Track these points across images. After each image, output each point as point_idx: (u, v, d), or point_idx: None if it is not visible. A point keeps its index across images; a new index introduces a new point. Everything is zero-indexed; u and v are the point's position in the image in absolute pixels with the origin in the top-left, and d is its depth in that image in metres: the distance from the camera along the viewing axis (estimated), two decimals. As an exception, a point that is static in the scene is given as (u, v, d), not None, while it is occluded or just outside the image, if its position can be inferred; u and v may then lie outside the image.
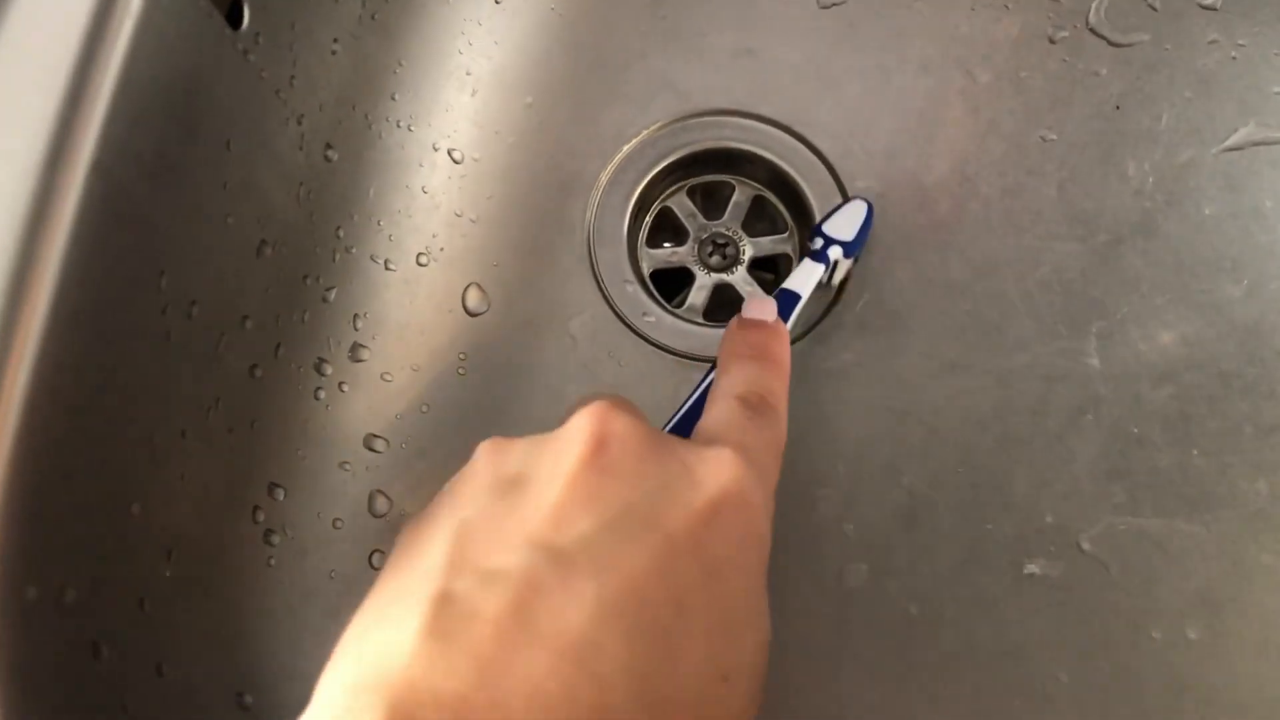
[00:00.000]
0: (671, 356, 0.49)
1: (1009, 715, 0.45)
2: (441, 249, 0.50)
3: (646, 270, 0.52)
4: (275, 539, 0.43)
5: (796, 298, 0.43)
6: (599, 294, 0.50)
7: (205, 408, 0.38)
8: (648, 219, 0.53)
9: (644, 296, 0.50)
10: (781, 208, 0.53)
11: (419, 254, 0.49)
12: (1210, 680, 0.45)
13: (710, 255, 0.53)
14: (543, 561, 0.25)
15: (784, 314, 0.41)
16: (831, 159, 0.52)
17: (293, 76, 0.41)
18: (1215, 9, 0.51)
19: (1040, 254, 0.50)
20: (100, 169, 0.30)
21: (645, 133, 0.52)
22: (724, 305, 0.52)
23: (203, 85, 0.35)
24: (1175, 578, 0.46)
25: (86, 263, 0.30)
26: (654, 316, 0.50)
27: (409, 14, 0.49)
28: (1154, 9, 0.52)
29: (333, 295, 0.46)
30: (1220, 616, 0.46)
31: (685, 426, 0.38)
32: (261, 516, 0.43)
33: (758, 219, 0.54)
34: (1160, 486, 0.47)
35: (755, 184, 0.53)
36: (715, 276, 0.52)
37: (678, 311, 0.51)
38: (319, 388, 0.46)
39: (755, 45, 0.52)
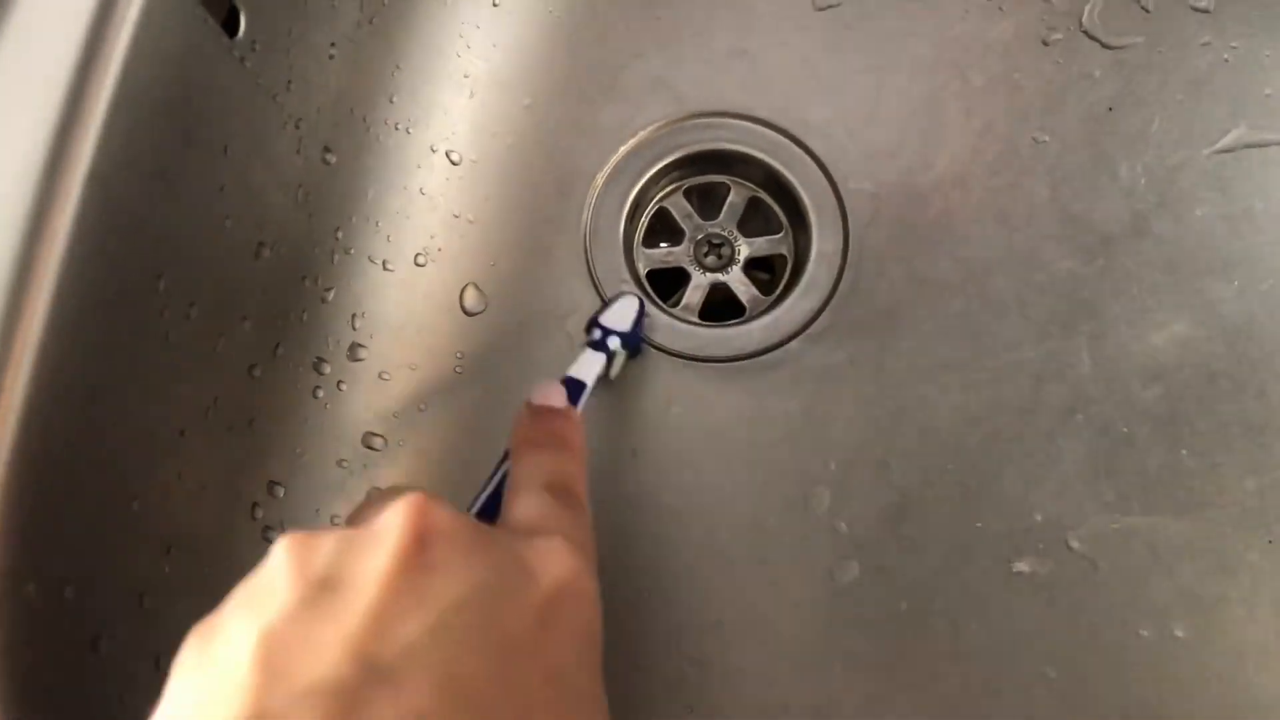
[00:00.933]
0: (667, 356, 0.50)
1: (997, 710, 0.46)
2: (439, 249, 0.50)
3: (643, 270, 0.53)
4: (273, 535, 0.44)
5: (582, 386, 0.43)
6: (595, 294, 0.50)
7: (204, 407, 0.39)
8: (644, 219, 0.54)
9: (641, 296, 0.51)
10: (777, 208, 0.54)
11: (417, 254, 0.50)
12: (1197, 677, 0.46)
13: (706, 255, 0.53)
14: (366, 674, 0.22)
15: (572, 401, 0.41)
16: (826, 160, 0.52)
17: (290, 81, 0.42)
18: (1208, 11, 0.52)
19: (1032, 254, 0.50)
20: (98, 176, 0.31)
21: (642, 134, 0.52)
22: (719, 305, 0.53)
23: (199, 92, 0.36)
24: (1163, 576, 0.47)
25: (85, 267, 0.31)
26: (651, 316, 0.50)
27: (407, 17, 0.50)
28: (1147, 11, 0.52)
29: (331, 295, 0.47)
30: (1207, 615, 0.46)
31: (486, 516, 0.36)
32: (260, 513, 0.43)
33: (753, 219, 0.54)
34: (1149, 486, 0.48)
35: (751, 185, 0.54)
36: (711, 276, 0.53)
37: (673, 311, 0.51)
38: (317, 386, 0.46)
39: (750, 47, 0.53)
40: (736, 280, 0.53)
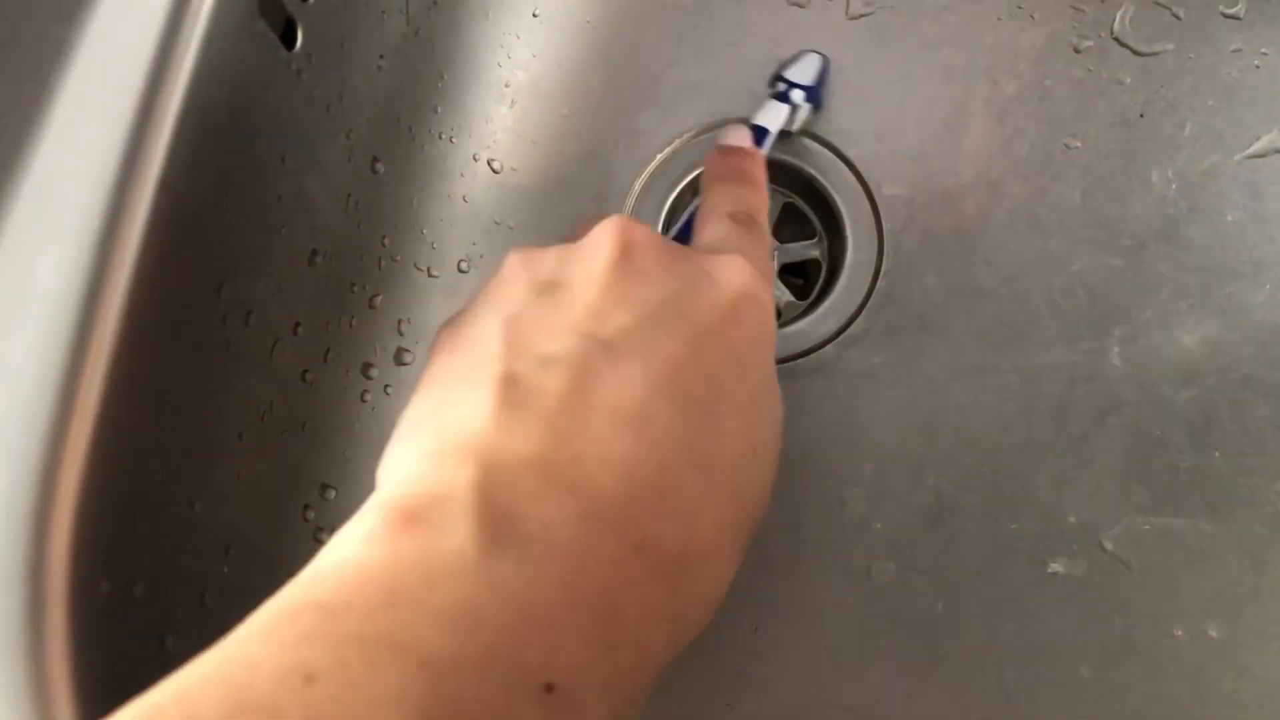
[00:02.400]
0: (704, 360, 0.50)
1: (1032, 710, 0.47)
2: (481, 256, 0.51)
3: (679, 275, 0.53)
4: (324, 537, 0.45)
5: (765, 131, 0.47)
6: (633, 299, 0.51)
7: (260, 411, 0.40)
8: (678, 226, 0.54)
9: (677, 301, 0.52)
10: (811, 215, 0.54)
11: (460, 261, 0.51)
12: (1231, 677, 0.46)
13: (741, 261, 0.54)
14: (591, 347, 0.27)
15: (757, 145, 0.45)
16: (860, 166, 0.53)
17: (341, 93, 0.43)
18: (1239, 18, 0.52)
19: (1064, 259, 0.51)
20: (168, 186, 0.32)
21: (677, 141, 0.53)
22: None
23: (259, 104, 0.37)
24: (1196, 576, 0.48)
25: (155, 274, 0.32)
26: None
27: (450, 29, 0.51)
28: (1178, 18, 0.53)
29: (378, 301, 0.48)
30: (1241, 614, 0.47)
31: (681, 242, 0.41)
32: (311, 515, 0.44)
33: (788, 225, 0.55)
34: (1182, 487, 0.49)
35: (785, 191, 0.55)
36: (746, 281, 0.54)
37: (710, 316, 0.52)
38: (365, 391, 0.47)
39: (784, 55, 0.53)
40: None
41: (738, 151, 0.41)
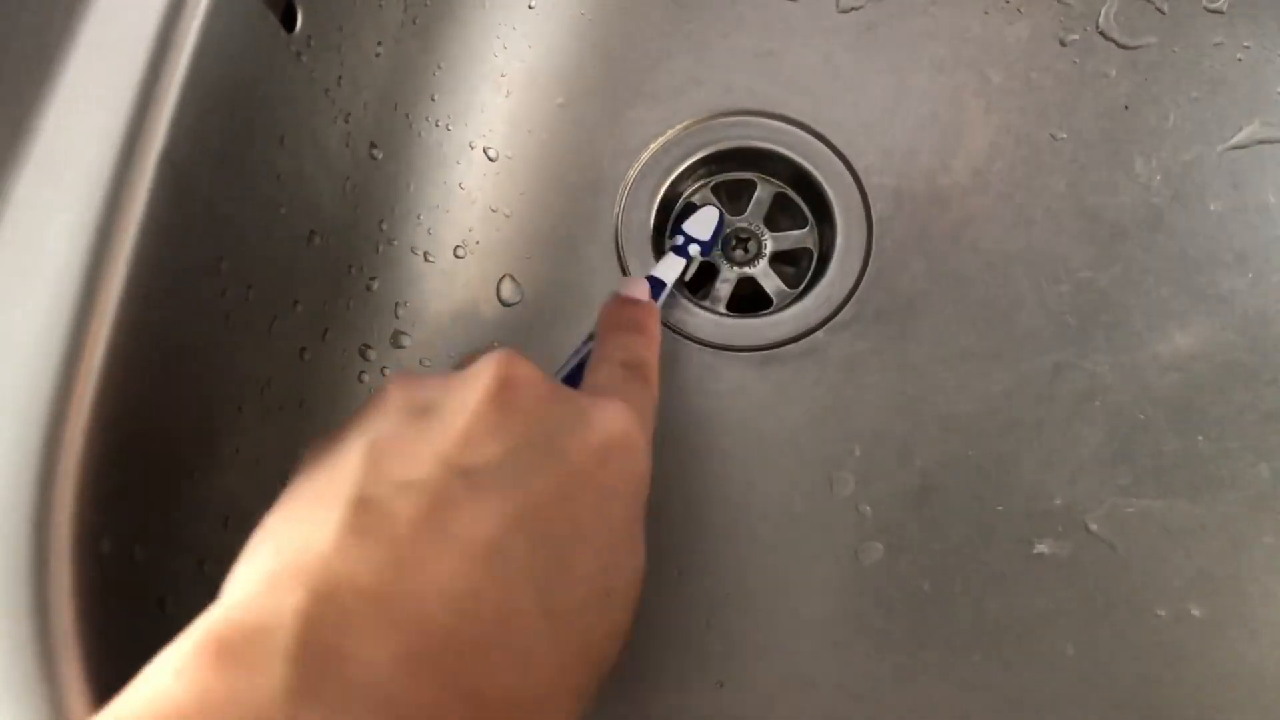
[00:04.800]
0: (697, 345, 0.51)
1: (1017, 686, 0.47)
2: (477, 242, 0.52)
3: (672, 263, 0.54)
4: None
5: (663, 284, 0.48)
6: (627, 285, 0.52)
7: (260, 385, 0.41)
8: (674, 215, 0.55)
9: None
10: (802, 204, 0.55)
11: (456, 246, 0.52)
12: (1211, 655, 0.47)
13: (734, 249, 0.55)
14: (452, 477, 0.27)
15: (654, 296, 0.46)
16: (850, 156, 0.54)
17: (340, 77, 0.44)
18: (1221, 12, 0.53)
19: (1050, 247, 0.52)
20: (169, 159, 0.33)
21: (671, 132, 0.54)
22: (747, 297, 0.54)
23: (259, 84, 0.38)
24: (1178, 557, 0.48)
25: (157, 245, 0.32)
26: (681, 308, 0.52)
27: (447, 18, 0.52)
28: (1162, 12, 0.53)
29: (375, 285, 0.49)
30: (1222, 594, 0.48)
31: (569, 383, 0.42)
32: (309, 491, 0.45)
33: (779, 215, 0.56)
34: (1165, 470, 0.49)
35: (777, 181, 0.56)
36: (738, 270, 0.55)
37: (702, 303, 0.53)
38: (362, 371, 0.48)
39: (776, 48, 0.55)
40: (763, 273, 0.55)
41: (634, 303, 0.43)
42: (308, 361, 0.44)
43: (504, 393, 0.29)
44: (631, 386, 0.36)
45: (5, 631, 0.29)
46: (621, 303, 0.43)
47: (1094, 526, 0.49)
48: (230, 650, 0.22)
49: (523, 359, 0.31)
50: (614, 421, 0.31)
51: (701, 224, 0.52)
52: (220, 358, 0.38)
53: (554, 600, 0.27)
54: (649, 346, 0.40)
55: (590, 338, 0.42)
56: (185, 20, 0.33)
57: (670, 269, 0.49)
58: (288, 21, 0.39)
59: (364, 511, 0.26)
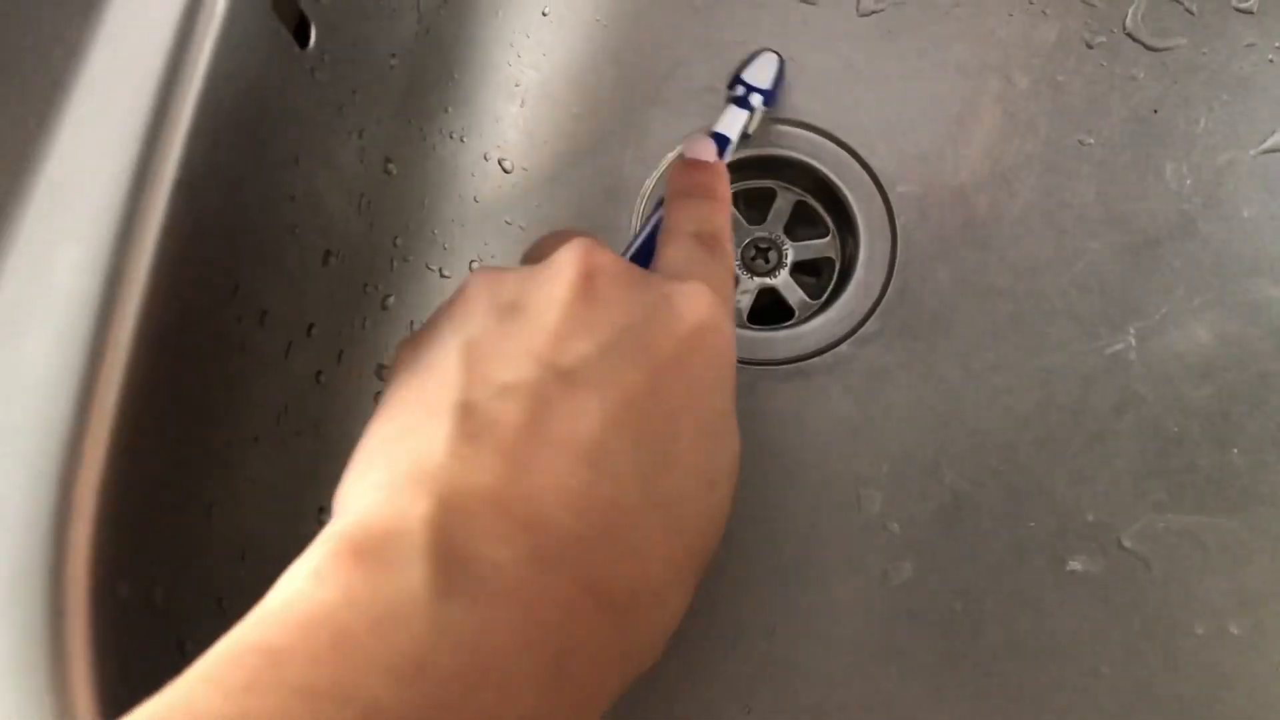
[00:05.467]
0: (717, 359, 0.50)
1: (1051, 709, 0.46)
2: (493, 256, 0.51)
3: (691, 275, 0.53)
4: (338, 539, 0.44)
5: (727, 140, 0.47)
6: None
7: (275, 413, 0.40)
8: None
9: (689, 300, 0.51)
10: (824, 212, 0.54)
11: (471, 261, 0.51)
12: (1252, 674, 0.46)
13: (754, 259, 0.54)
14: (550, 377, 0.27)
15: (719, 154, 0.44)
16: (872, 163, 0.53)
17: (354, 91, 0.42)
18: (1252, 12, 0.52)
19: (1079, 255, 0.51)
20: (183, 186, 0.31)
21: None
22: (768, 308, 0.53)
23: (274, 103, 0.36)
24: (1215, 574, 0.47)
25: (171, 276, 0.31)
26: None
27: (461, 28, 0.50)
28: (1191, 13, 0.52)
29: (391, 302, 0.48)
30: (1261, 611, 0.47)
31: (641, 258, 0.41)
32: (326, 518, 0.44)
33: (800, 223, 0.55)
34: (1200, 484, 0.48)
35: (797, 189, 0.54)
36: (759, 280, 0.53)
37: (722, 315, 0.52)
38: (378, 393, 0.47)
39: (795, 53, 0.53)
40: (784, 284, 0.53)
41: (702, 166, 0.41)
42: (324, 385, 0.43)
43: (588, 285, 0.29)
44: (708, 262, 0.35)
45: (21, 685, 0.28)
46: (687, 166, 0.41)
47: (1128, 543, 0.48)
48: (368, 552, 0.23)
49: (601, 246, 0.31)
50: (697, 306, 0.30)
51: (761, 70, 0.50)
52: (236, 388, 0.37)
53: (660, 494, 0.27)
54: (720, 211, 0.38)
55: (659, 205, 0.40)
56: (198, 40, 0.32)
57: (734, 123, 0.48)
58: (301, 37, 0.38)
59: (470, 418, 0.26)
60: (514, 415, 0.26)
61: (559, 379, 0.27)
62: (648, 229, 0.42)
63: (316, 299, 0.42)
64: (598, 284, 0.29)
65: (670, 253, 0.35)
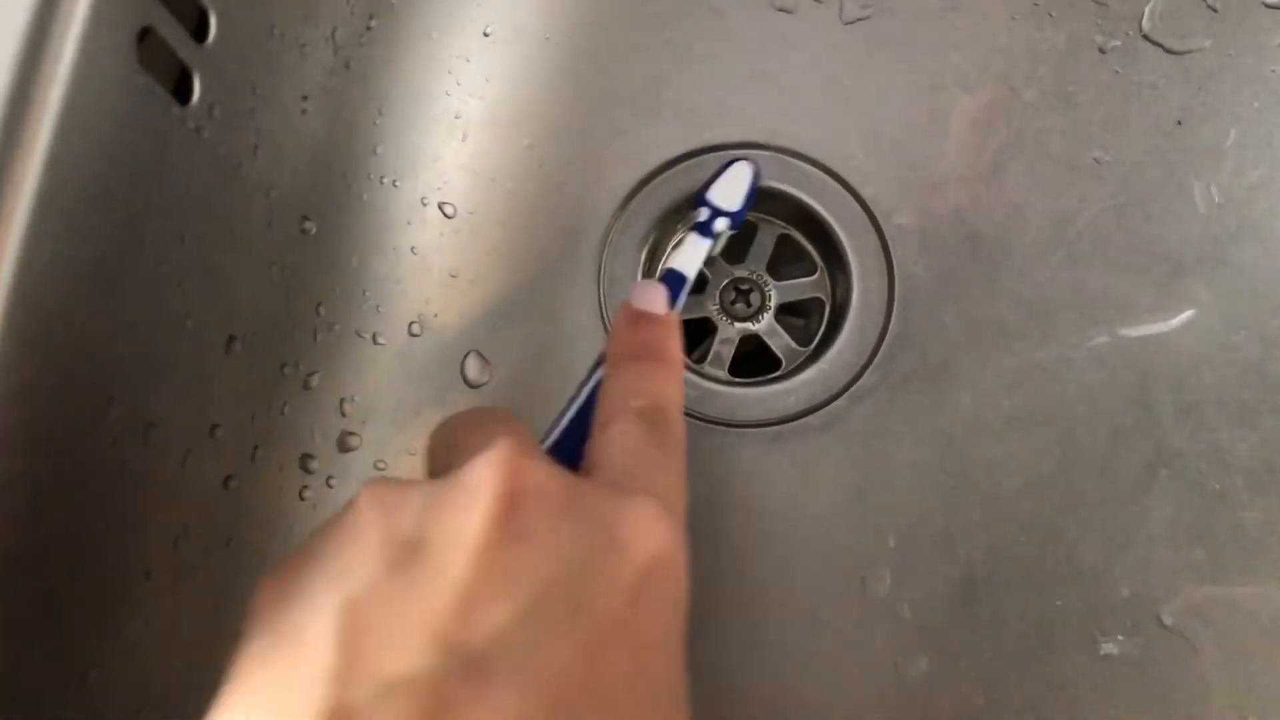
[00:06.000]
0: (697, 421, 0.44)
1: (1093, 818, 0.41)
2: (435, 315, 0.45)
3: (664, 323, 0.47)
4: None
5: (684, 280, 0.39)
6: (613, 354, 0.45)
7: (172, 538, 0.33)
8: (663, 266, 0.48)
9: (662, 354, 0.45)
10: (810, 247, 0.48)
11: (411, 323, 0.45)
12: (1315, 769, 0.41)
13: (734, 303, 0.48)
14: (454, 667, 0.21)
15: (672, 298, 0.37)
16: (862, 192, 0.47)
17: (256, 146, 0.36)
18: (1282, 8, 0.47)
19: (1101, 290, 0.46)
20: (23, 294, 0.25)
21: (657, 170, 0.47)
22: (750, 357, 0.47)
23: (146, 176, 0.30)
24: (1272, 652, 0.43)
25: (14, 408, 0.25)
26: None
27: (388, 56, 0.44)
28: (1214, 10, 0.47)
29: (315, 380, 0.42)
30: (1323, 695, 0.42)
31: (572, 438, 0.33)
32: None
33: (784, 261, 0.49)
34: (1247, 548, 0.44)
35: (780, 222, 0.49)
36: (740, 326, 0.48)
37: (700, 369, 0.46)
38: (304, 487, 0.41)
39: (772, 69, 0.47)
40: (768, 329, 0.48)
41: (649, 321, 0.35)
42: (234, 491, 0.37)
43: (509, 515, 0.23)
44: (658, 457, 0.29)
45: None
46: (634, 321, 0.35)
47: (1168, 620, 0.43)
48: None
49: (528, 451, 0.25)
50: (648, 537, 0.25)
51: (730, 189, 0.42)
52: (116, 521, 0.30)
53: None
54: (670, 379, 0.32)
55: (599, 363, 0.34)
56: (36, 112, 0.25)
57: (692, 257, 0.40)
58: (182, 92, 0.31)
59: None
60: None
61: (465, 670, 0.21)
62: (581, 398, 0.34)
63: (219, 394, 0.35)
64: (522, 514, 0.23)
65: (610, 439, 0.29)
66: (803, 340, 0.48)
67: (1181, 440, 0.44)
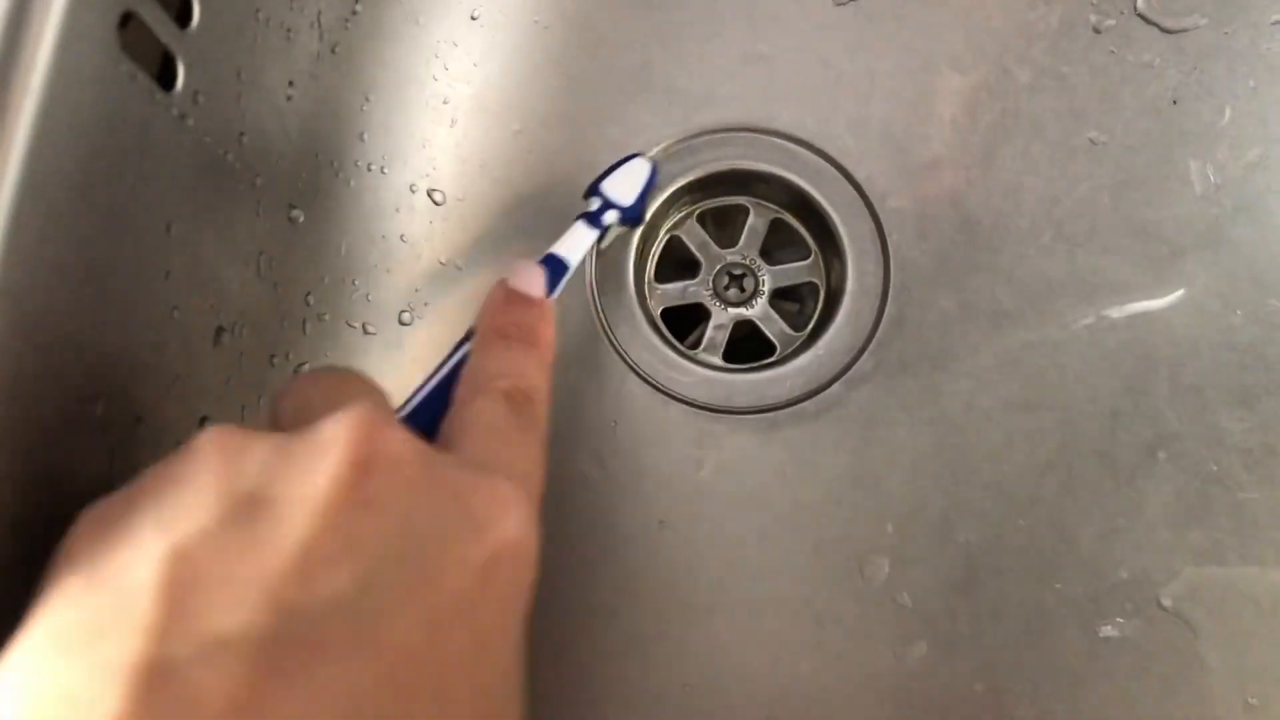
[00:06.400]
0: (692, 409, 0.44)
1: (1094, 801, 0.41)
2: (426, 304, 0.44)
3: (656, 310, 0.47)
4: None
5: (565, 267, 0.38)
6: (605, 341, 0.45)
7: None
8: (655, 252, 0.47)
9: (656, 340, 0.45)
10: (804, 231, 0.48)
11: (401, 312, 0.44)
12: (1317, 751, 0.41)
13: (727, 288, 0.47)
14: (285, 630, 0.20)
15: (552, 283, 0.37)
16: (856, 175, 0.46)
17: (242, 133, 0.35)
18: (1277, -15, 0.46)
19: (1097, 270, 0.45)
20: (8, 292, 0.24)
21: (650, 154, 0.46)
22: (744, 343, 0.47)
23: (130, 165, 0.29)
24: (1271, 633, 0.43)
25: (0, 401, 0.24)
26: (668, 363, 0.44)
27: (374, 41, 0.43)
28: (1209, -12, 0.46)
29: (306, 371, 0.41)
30: (1324, 676, 0.42)
31: (430, 409, 0.32)
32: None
33: (777, 245, 0.48)
34: (1246, 530, 0.43)
35: (772, 206, 0.48)
36: (734, 312, 0.47)
37: (694, 355, 0.46)
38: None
39: (765, 51, 0.47)
40: (762, 314, 0.47)
41: (524, 302, 0.34)
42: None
43: (360, 478, 0.22)
44: (518, 440, 0.28)
45: None
46: (507, 300, 0.34)
47: (1168, 602, 0.43)
48: None
49: (386, 420, 0.24)
50: (501, 518, 0.24)
51: (626, 181, 0.41)
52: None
53: None
54: (539, 366, 0.32)
55: (467, 337, 0.33)
56: (15, 100, 0.25)
57: (577, 245, 0.39)
58: (165, 79, 0.30)
59: (155, 688, 0.18)
60: (223, 689, 0.18)
61: (297, 633, 0.20)
62: (444, 371, 0.33)
63: (207, 387, 0.35)
64: (374, 479, 0.22)
65: (471, 415, 0.28)
66: (797, 325, 0.47)
67: (1179, 422, 0.44)
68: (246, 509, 0.21)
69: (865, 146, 0.46)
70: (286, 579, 0.20)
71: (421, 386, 0.33)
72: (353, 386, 0.27)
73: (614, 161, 0.42)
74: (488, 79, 0.46)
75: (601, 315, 0.45)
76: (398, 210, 0.44)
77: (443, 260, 0.45)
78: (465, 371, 0.31)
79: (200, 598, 0.20)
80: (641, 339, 0.45)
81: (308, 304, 0.41)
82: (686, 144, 0.46)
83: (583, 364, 0.45)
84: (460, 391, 0.30)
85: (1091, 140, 0.46)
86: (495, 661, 0.23)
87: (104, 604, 0.20)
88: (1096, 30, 0.46)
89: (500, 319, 0.33)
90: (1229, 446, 0.44)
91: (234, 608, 0.20)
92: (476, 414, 0.28)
